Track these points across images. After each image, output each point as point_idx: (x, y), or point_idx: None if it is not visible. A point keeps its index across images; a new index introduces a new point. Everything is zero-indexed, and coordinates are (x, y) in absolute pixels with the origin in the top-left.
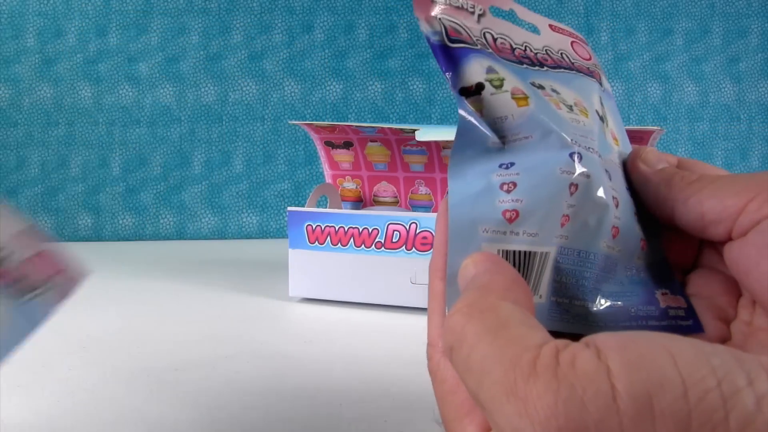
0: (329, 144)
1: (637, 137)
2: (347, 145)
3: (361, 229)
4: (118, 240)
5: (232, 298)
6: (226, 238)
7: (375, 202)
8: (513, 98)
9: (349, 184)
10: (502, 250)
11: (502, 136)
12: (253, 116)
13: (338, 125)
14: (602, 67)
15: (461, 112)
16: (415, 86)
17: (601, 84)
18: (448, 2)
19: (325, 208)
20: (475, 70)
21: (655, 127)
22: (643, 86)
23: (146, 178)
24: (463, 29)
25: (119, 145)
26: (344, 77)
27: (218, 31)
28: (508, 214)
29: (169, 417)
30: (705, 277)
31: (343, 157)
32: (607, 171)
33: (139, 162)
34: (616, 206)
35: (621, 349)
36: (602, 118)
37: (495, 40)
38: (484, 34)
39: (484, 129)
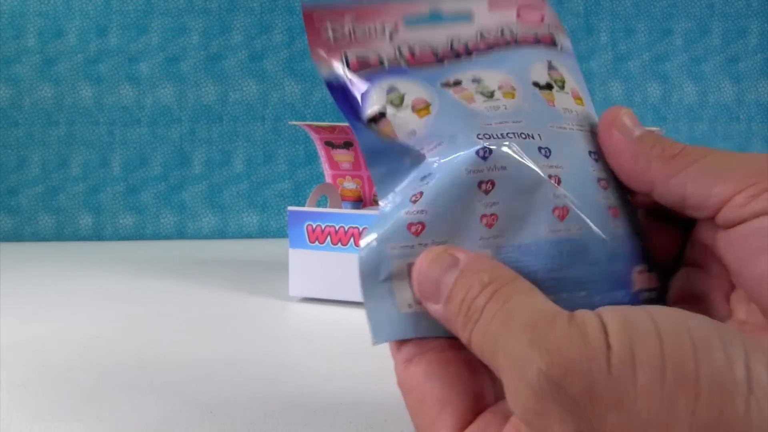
0: (329, 144)
1: None
2: (347, 145)
3: (361, 229)
4: (119, 240)
5: (232, 298)
6: (226, 238)
7: (375, 202)
8: (414, 111)
9: (349, 184)
10: (411, 263)
11: (420, 148)
12: (253, 116)
13: (338, 125)
14: (604, 68)
15: (376, 139)
16: None
17: (555, 45)
18: (352, 36)
19: (325, 208)
20: (376, 96)
21: (655, 128)
22: (643, 86)
23: (147, 177)
24: (372, 54)
25: (120, 145)
26: None
27: (218, 31)
28: (413, 228)
29: (169, 417)
30: (692, 276)
31: (343, 157)
32: (543, 148)
33: (140, 162)
34: (558, 183)
35: (613, 311)
36: (549, 85)
37: (413, 50)
38: (399, 49)
39: (401, 147)
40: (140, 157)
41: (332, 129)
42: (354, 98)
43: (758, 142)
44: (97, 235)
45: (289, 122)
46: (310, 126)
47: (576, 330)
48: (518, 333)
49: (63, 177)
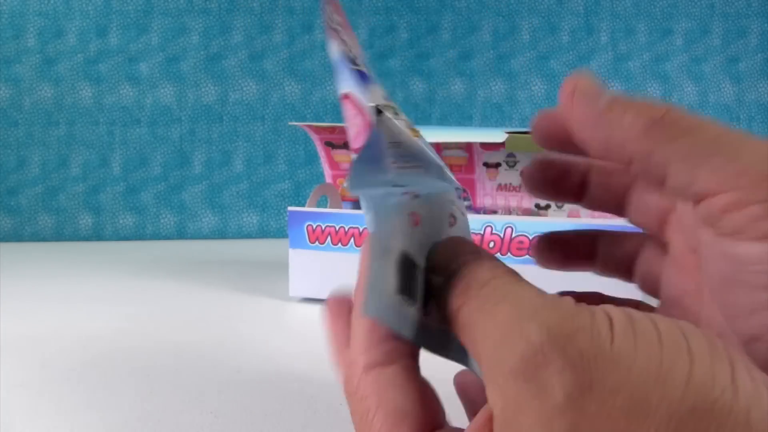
0: (329, 144)
1: None
2: (347, 145)
3: (361, 229)
4: (119, 240)
5: (232, 298)
6: (226, 238)
7: None
8: (409, 128)
9: None
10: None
11: (393, 159)
12: (253, 116)
13: (338, 126)
14: (604, 68)
15: (374, 127)
16: (415, 86)
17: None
18: (336, 26)
19: (326, 208)
20: (378, 94)
21: None
22: (643, 86)
23: (147, 177)
24: (350, 50)
25: (120, 145)
26: None
27: (218, 31)
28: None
29: (169, 417)
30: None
31: (343, 157)
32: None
33: (140, 162)
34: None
35: (615, 309)
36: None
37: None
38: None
39: (385, 147)
40: (140, 157)
41: (332, 129)
42: (360, 74)
43: None
44: (97, 235)
45: (289, 123)
46: (310, 126)
47: (583, 306)
48: (505, 306)
49: (63, 177)
